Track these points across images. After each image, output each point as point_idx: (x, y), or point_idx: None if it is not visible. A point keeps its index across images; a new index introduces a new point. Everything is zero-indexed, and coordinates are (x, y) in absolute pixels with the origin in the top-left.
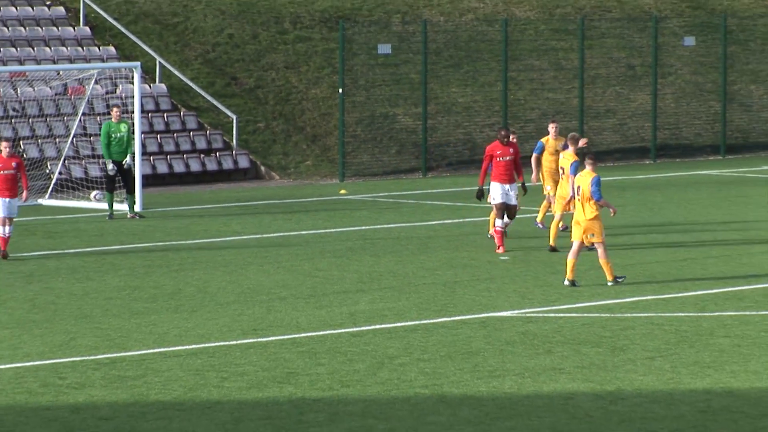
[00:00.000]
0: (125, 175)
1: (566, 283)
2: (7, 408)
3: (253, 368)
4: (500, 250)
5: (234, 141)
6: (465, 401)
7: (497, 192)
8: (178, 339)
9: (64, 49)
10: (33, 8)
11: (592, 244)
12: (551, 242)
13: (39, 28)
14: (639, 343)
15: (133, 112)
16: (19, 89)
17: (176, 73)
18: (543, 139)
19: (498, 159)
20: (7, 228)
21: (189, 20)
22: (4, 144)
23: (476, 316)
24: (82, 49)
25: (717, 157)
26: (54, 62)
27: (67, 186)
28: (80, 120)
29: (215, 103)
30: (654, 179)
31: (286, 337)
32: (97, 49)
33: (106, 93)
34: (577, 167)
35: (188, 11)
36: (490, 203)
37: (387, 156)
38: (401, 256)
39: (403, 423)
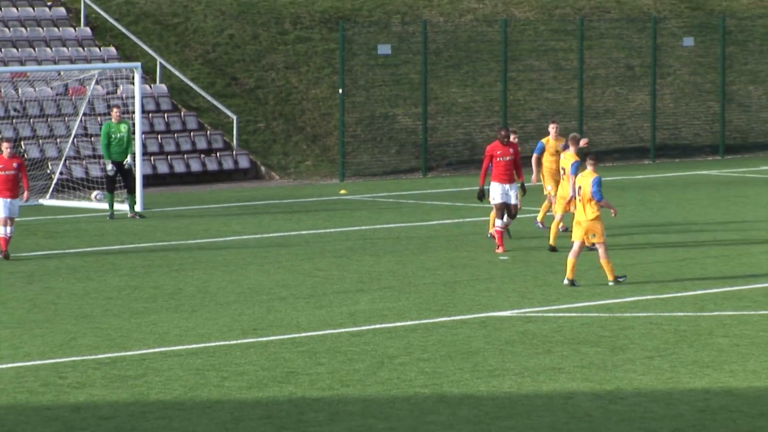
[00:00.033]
0: (125, 175)
1: (566, 282)
2: (8, 407)
3: (253, 368)
4: (500, 250)
5: (234, 141)
6: (465, 401)
7: (497, 192)
8: (178, 339)
9: (65, 49)
10: (34, 9)
11: (593, 244)
12: (551, 242)
13: (40, 29)
14: (638, 342)
15: (133, 112)
16: (20, 89)
17: (177, 73)
18: (543, 140)
19: (498, 159)
20: (8, 228)
21: (189, 21)
22: (5, 144)
23: (476, 315)
24: (83, 49)
25: (716, 158)
26: (55, 63)
27: (68, 186)
28: (81, 120)
29: (215, 103)
30: (653, 179)
31: (286, 336)
32: (97, 49)
33: (107, 93)
34: (578, 167)
35: (188, 12)
36: (490, 203)
37: (387, 156)
38: (401, 256)
39: (403, 422)
